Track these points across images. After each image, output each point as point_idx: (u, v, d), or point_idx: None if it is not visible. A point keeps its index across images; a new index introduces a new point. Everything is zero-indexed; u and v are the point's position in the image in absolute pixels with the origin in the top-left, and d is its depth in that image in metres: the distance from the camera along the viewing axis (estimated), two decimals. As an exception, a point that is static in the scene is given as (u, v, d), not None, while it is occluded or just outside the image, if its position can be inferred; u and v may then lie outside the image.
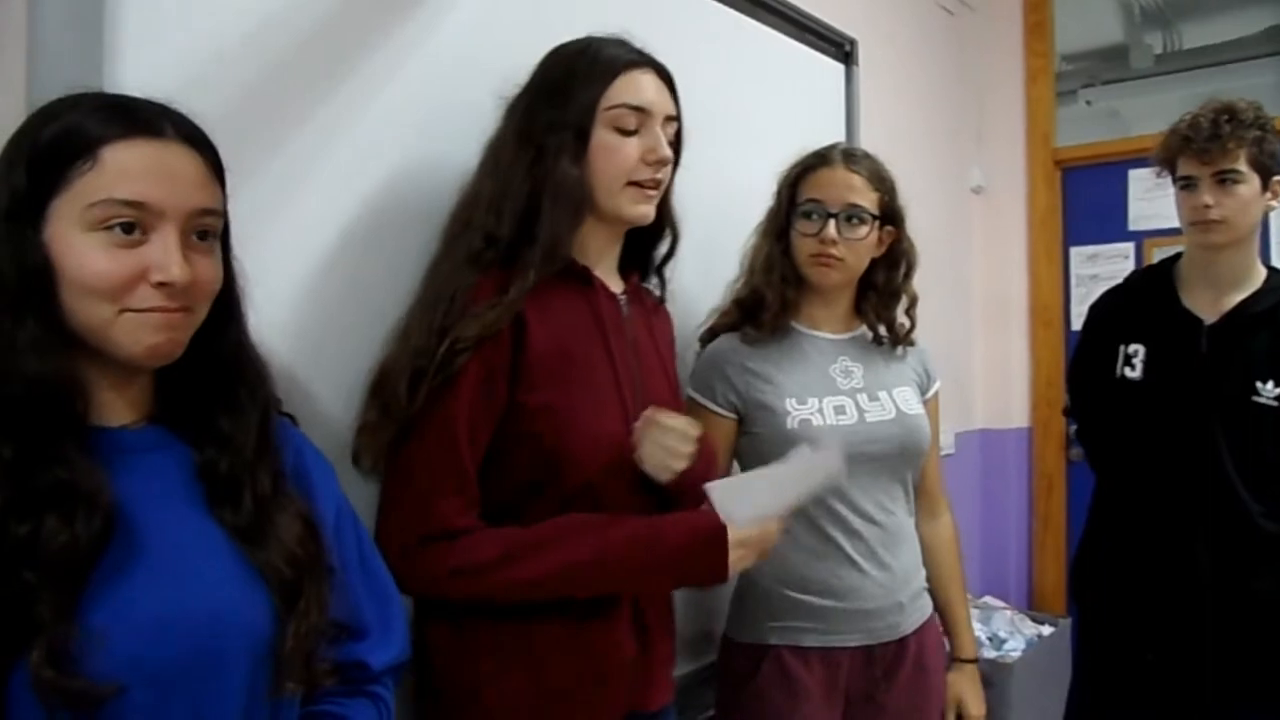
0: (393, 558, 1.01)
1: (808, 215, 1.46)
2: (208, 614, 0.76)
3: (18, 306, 0.72)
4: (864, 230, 1.46)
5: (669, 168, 1.19)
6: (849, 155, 1.50)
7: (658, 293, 1.36)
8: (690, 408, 1.47)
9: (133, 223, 0.73)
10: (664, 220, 1.26)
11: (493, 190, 1.13)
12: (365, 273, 1.20)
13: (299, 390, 1.10)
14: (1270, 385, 1.58)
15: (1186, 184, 1.63)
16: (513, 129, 1.15)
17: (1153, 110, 3.22)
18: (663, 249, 1.31)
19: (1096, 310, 1.85)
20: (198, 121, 0.79)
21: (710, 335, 1.55)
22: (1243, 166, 1.57)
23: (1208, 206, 1.58)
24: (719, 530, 1.07)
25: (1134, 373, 1.68)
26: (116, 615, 0.71)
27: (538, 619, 1.10)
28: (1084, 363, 1.85)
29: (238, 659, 0.77)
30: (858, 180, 1.46)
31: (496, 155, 1.16)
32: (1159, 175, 1.74)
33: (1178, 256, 1.75)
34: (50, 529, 0.69)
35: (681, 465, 1.13)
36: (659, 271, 1.33)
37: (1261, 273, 1.66)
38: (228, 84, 1.05)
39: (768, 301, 1.48)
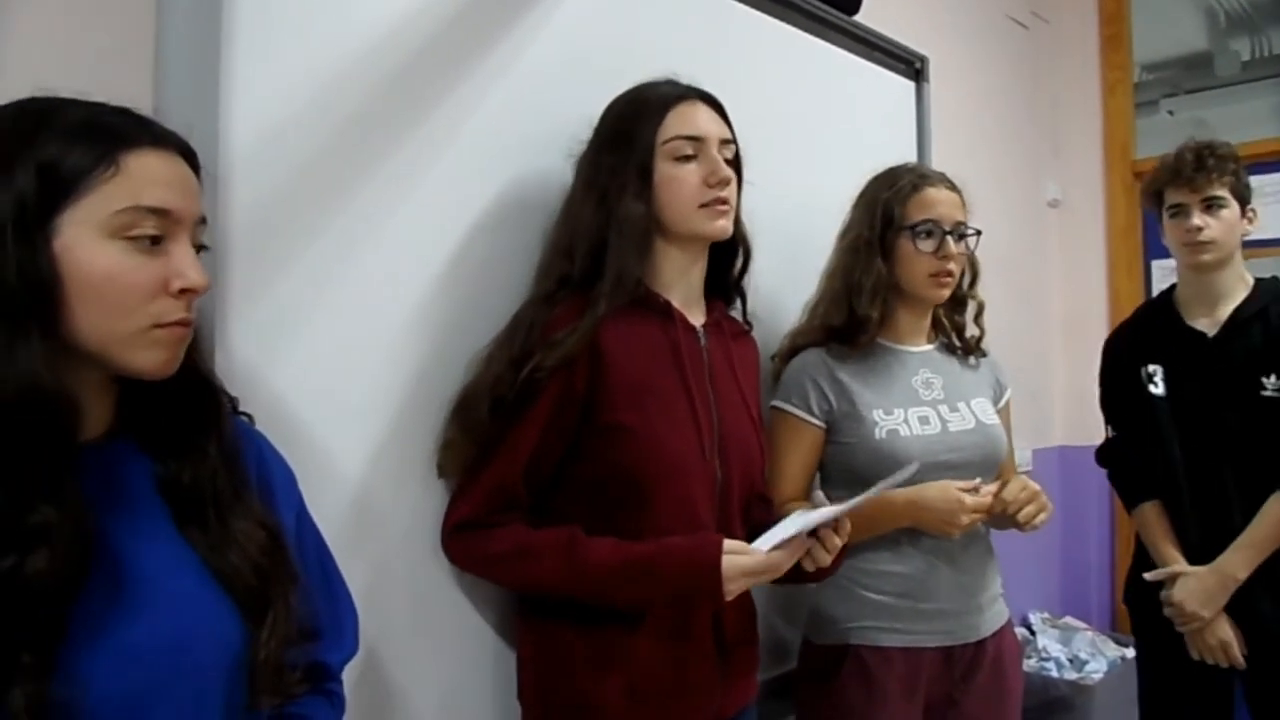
0: (443, 537, 1.19)
1: (926, 234, 1.50)
2: (178, 636, 0.73)
3: (20, 320, 0.67)
4: (970, 245, 1.55)
5: (733, 185, 1.25)
6: (943, 175, 1.56)
7: (740, 315, 1.41)
8: (778, 418, 1.52)
9: (159, 234, 0.71)
10: (736, 239, 1.31)
11: (565, 236, 1.22)
12: (469, 289, 1.25)
13: (397, 404, 1.17)
14: (1273, 379, 1.72)
15: (1176, 211, 1.81)
16: (582, 181, 1.24)
17: (1242, 118, 3.12)
18: (738, 266, 1.36)
19: (1112, 343, 1.99)
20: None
21: (791, 352, 1.57)
22: (1226, 193, 1.77)
23: (1200, 229, 1.76)
24: (713, 564, 1.10)
25: (1158, 390, 1.83)
26: (85, 644, 0.68)
27: (626, 631, 1.17)
28: (1113, 388, 1.95)
29: (211, 677, 0.75)
30: (957, 198, 1.54)
31: (569, 206, 1.25)
32: (1145, 209, 1.96)
33: (1174, 286, 1.92)
34: (31, 563, 0.65)
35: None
36: (738, 288, 1.38)
37: (1249, 283, 1.83)
38: (338, 106, 1.11)
39: (871, 322, 1.51)
